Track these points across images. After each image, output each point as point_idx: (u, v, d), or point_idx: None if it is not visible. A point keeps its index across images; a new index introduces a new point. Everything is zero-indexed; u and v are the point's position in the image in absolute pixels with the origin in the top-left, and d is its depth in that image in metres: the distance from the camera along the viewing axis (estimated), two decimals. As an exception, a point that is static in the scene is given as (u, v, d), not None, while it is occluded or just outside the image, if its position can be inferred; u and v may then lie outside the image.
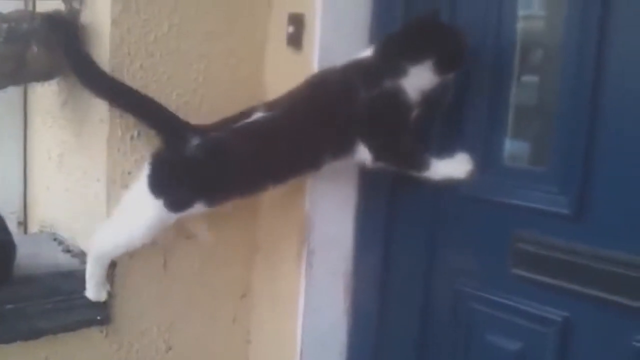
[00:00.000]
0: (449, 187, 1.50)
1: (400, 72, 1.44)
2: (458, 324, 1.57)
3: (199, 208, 1.54)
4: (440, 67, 1.44)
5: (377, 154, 1.48)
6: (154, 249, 1.77)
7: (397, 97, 1.45)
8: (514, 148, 1.52)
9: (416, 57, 1.44)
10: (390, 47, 1.49)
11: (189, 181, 1.51)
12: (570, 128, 1.36)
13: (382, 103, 1.45)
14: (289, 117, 1.52)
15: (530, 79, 1.54)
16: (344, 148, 1.50)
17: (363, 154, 1.50)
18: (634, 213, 1.28)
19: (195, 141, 1.49)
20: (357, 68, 1.50)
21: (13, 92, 2.05)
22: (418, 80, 1.45)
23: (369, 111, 1.46)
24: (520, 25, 1.49)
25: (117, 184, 1.68)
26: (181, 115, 1.67)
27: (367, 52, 1.52)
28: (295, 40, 1.77)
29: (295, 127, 1.52)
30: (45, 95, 1.95)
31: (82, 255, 1.77)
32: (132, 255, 1.73)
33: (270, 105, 1.55)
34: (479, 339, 1.53)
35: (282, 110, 1.52)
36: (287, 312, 1.79)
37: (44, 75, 1.75)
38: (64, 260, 1.76)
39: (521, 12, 1.48)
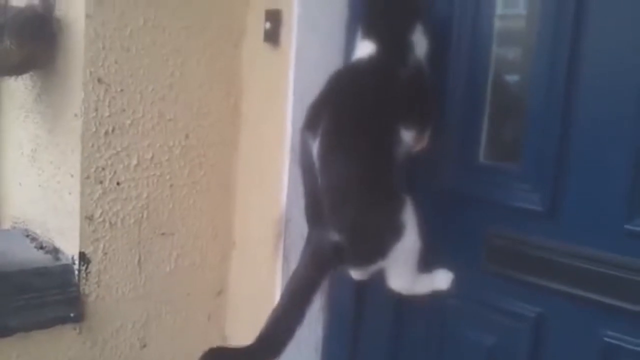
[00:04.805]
0: (423, 182, 1.51)
1: (409, 45, 1.41)
2: (432, 319, 1.58)
3: None
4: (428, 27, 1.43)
5: (421, 124, 1.42)
6: (129, 245, 1.76)
7: (422, 70, 1.42)
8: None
9: (410, 25, 1.42)
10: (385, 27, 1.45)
11: None
12: (543, 126, 1.37)
13: (416, 79, 1.41)
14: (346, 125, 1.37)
15: (506, 77, 1.55)
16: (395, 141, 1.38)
17: (406, 137, 1.39)
18: (606, 210, 1.29)
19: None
20: (381, 58, 1.42)
21: (-15, 87, 2.02)
22: (421, 48, 1.42)
23: (410, 88, 1.39)
24: (499, 24, 1.49)
25: (91, 180, 1.67)
26: (156, 110, 1.67)
27: (367, 48, 1.43)
28: (273, 36, 1.77)
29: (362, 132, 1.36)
30: (19, 89, 1.92)
31: (55, 252, 1.75)
32: (107, 252, 1.72)
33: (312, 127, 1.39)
34: (453, 333, 1.54)
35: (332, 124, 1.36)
36: (263, 308, 1.77)
37: (17, 69, 1.74)
38: (37, 257, 1.74)
39: (503, 11, 1.49)
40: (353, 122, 1.36)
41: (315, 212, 1.39)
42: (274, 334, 1.37)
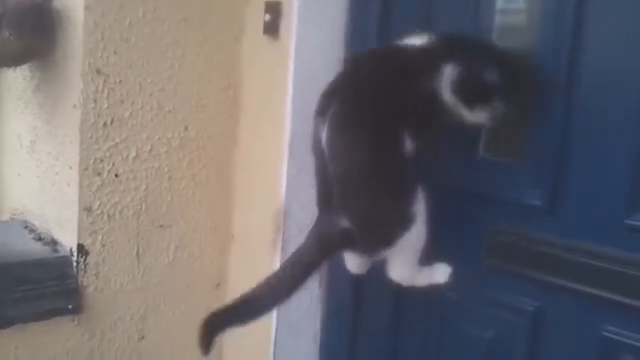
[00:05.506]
0: (422, 176, 1.51)
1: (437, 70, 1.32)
2: (432, 312, 1.58)
3: None
4: (458, 83, 1.31)
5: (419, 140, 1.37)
6: (128, 237, 1.76)
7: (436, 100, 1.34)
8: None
9: (445, 56, 1.32)
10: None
11: None
12: (544, 122, 1.37)
13: (425, 103, 1.34)
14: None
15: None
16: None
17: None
18: (606, 205, 1.29)
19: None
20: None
21: (-17, 78, 2.01)
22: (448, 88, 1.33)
23: (418, 106, 1.34)
24: (500, 19, 1.49)
25: (89, 171, 1.67)
26: (155, 102, 1.66)
27: (419, 39, 1.38)
28: (272, 28, 1.76)
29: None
30: (17, 80, 1.92)
31: (53, 244, 1.75)
32: (105, 244, 1.72)
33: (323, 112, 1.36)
34: (452, 326, 1.54)
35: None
36: (261, 301, 1.78)
37: (16, 61, 1.73)
38: (36, 249, 1.74)
39: (504, 6, 1.48)
40: (364, 109, 1.33)
41: (325, 197, 1.38)
42: (259, 299, 1.38)
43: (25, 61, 1.75)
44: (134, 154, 1.73)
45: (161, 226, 1.82)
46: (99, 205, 1.70)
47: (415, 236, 1.35)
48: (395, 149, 1.33)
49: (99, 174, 1.68)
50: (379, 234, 1.36)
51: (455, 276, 1.47)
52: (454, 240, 1.51)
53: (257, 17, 1.80)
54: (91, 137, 1.66)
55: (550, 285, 1.36)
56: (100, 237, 1.71)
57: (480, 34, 1.48)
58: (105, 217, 1.71)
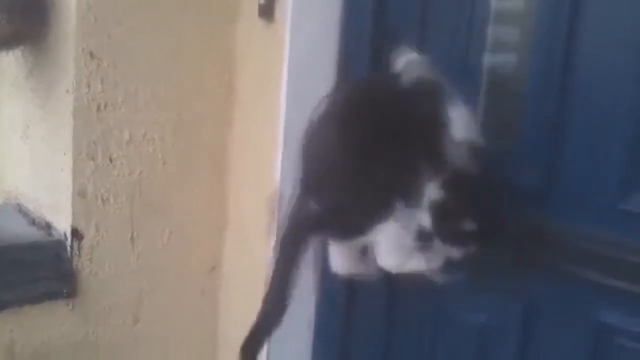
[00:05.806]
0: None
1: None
2: (425, 297, 1.59)
3: None
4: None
5: None
6: (122, 222, 1.76)
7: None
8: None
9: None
10: None
11: None
12: (539, 105, 1.36)
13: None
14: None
15: (502, 56, 1.54)
16: None
17: None
18: (600, 190, 1.29)
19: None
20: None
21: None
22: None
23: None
24: (498, 4, 1.48)
25: (83, 156, 1.66)
26: (149, 86, 1.65)
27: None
28: (267, 11, 1.75)
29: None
30: (10, 65, 1.90)
31: (47, 228, 1.75)
32: (99, 228, 1.72)
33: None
34: (445, 311, 1.55)
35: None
36: (256, 284, 1.78)
37: (7, 44, 1.72)
38: (29, 232, 1.74)
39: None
40: (360, 120, 1.26)
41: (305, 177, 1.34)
42: (273, 298, 1.39)
43: (17, 45, 1.73)
44: (127, 138, 1.73)
45: (155, 210, 1.82)
46: (93, 190, 1.69)
47: (402, 224, 1.29)
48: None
49: (93, 158, 1.68)
50: (348, 222, 1.31)
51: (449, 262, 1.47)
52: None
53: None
54: (84, 121, 1.65)
55: (544, 270, 1.36)
56: (94, 221, 1.71)
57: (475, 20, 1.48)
58: (99, 201, 1.71)
